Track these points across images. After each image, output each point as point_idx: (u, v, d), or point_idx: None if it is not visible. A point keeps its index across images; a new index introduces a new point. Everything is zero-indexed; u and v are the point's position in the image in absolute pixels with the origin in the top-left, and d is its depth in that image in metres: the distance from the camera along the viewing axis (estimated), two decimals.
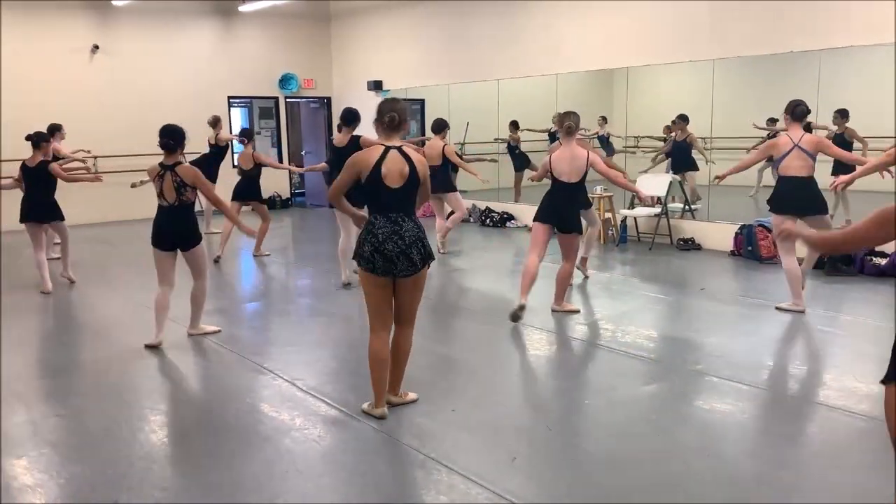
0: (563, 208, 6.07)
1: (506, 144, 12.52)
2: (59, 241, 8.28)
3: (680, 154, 10.49)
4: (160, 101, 12.75)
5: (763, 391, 4.63)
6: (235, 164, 10.46)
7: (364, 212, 4.27)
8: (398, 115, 4.02)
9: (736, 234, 8.86)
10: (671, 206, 9.88)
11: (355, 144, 6.70)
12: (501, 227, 11.69)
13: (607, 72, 10.95)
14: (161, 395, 4.91)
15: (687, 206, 10.03)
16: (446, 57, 12.77)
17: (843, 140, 8.59)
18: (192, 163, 5.87)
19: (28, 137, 7.48)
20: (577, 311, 6.38)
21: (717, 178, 6.67)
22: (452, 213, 9.36)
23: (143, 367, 5.25)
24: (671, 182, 9.66)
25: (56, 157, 8.42)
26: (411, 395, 4.38)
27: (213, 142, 10.94)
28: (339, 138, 7.34)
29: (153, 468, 3.69)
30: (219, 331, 5.93)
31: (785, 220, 6.03)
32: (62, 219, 7.72)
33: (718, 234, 9.26)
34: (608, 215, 9.94)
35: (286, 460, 3.70)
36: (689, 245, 9.41)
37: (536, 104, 12.38)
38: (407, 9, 13.45)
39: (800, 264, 6.31)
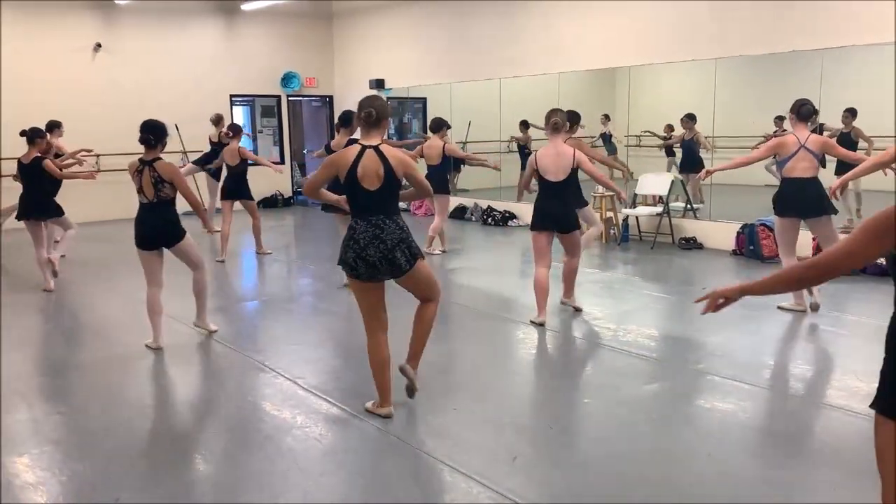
0: (556, 209, 5.87)
1: (515, 144, 12.52)
2: (59, 239, 8.26)
3: (687, 153, 10.48)
4: (162, 100, 12.72)
5: (765, 390, 4.62)
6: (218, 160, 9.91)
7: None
8: (376, 111, 3.96)
9: (738, 233, 8.85)
10: (673, 205, 9.88)
11: None
12: (503, 226, 11.68)
13: (609, 71, 10.94)
14: (162, 393, 4.92)
15: (689, 206, 10.02)
16: (448, 56, 12.77)
17: (849, 139, 8.58)
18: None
19: (23, 133, 7.41)
20: (581, 311, 6.38)
21: (706, 172, 6.52)
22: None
23: (144, 366, 5.25)
24: (673, 181, 9.66)
25: (58, 156, 8.42)
26: None
27: (215, 140, 10.95)
28: (336, 141, 7.33)
29: (154, 466, 3.70)
30: (216, 330, 5.85)
31: (787, 222, 6.02)
32: (61, 214, 7.67)
33: (720, 234, 9.25)
34: (610, 215, 9.93)
35: (287, 459, 3.70)
36: (691, 244, 9.40)
37: (538, 103, 12.29)
38: (409, 8, 13.46)
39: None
